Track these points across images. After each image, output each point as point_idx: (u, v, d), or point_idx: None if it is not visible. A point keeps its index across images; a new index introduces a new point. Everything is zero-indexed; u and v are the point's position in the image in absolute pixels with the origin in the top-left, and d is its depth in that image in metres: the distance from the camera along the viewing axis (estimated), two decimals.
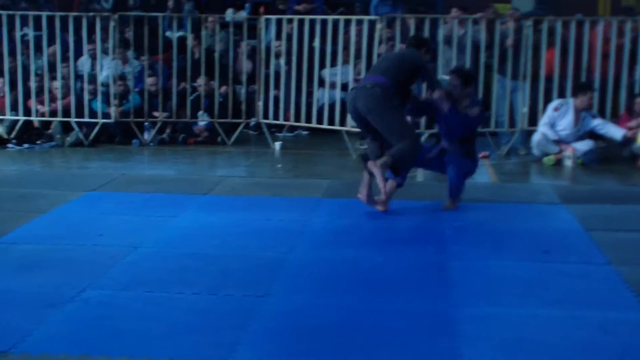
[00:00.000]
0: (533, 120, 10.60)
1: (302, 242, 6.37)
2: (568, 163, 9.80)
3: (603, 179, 9.33)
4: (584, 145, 10.05)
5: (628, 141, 10.07)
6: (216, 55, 11.45)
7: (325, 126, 11.10)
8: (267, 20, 11.57)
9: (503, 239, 6.60)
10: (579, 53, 10.73)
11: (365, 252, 6.11)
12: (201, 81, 11.43)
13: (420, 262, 5.89)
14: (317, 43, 11.12)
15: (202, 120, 11.47)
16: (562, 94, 10.60)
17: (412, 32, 10.56)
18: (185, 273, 5.52)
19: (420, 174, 9.28)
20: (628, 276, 5.50)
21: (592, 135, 10.28)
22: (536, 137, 10.17)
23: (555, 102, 10.25)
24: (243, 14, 13.21)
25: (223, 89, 11.57)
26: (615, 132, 10.02)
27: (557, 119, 10.06)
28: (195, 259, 5.85)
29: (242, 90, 11.64)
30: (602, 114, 10.56)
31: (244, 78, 11.59)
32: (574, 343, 4.42)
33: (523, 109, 10.74)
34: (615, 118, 10.60)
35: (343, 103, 10.96)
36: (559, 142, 10.00)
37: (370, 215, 7.22)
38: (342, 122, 10.96)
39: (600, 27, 10.80)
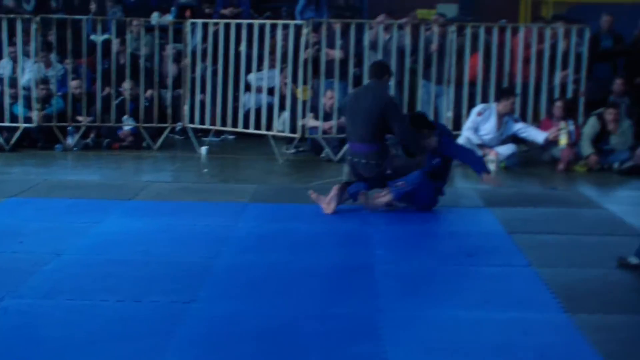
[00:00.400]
0: (457, 124, 10.75)
1: (228, 247, 6.36)
2: (491, 167, 9.96)
3: (524, 182, 9.52)
4: (507, 149, 10.24)
5: (550, 144, 10.28)
6: (142, 59, 11.34)
7: (251, 131, 11.07)
8: (193, 24, 11.50)
9: (427, 242, 6.70)
10: (502, 58, 10.93)
11: (291, 257, 6.12)
12: (126, 85, 11.31)
13: (345, 266, 5.93)
14: (243, 47, 11.09)
15: (127, 124, 11.34)
16: (485, 99, 10.78)
17: (337, 37, 10.62)
18: (109, 280, 5.44)
19: (344, 175, 9.32)
20: (548, 278, 5.63)
21: (515, 139, 10.47)
22: (460, 141, 10.31)
23: (478, 107, 10.41)
24: (169, 18, 13.09)
25: (148, 93, 11.47)
26: (537, 135, 10.22)
27: (481, 124, 10.23)
28: (119, 265, 5.77)
29: (168, 95, 11.54)
30: (523, 118, 10.77)
31: (169, 82, 11.50)
32: (496, 344, 4.51)
33: (447, 114, 10.89)
34: (537, 122, 10.82)
35: (269, 107, 10.99)
36: (482, 146, 10.16)
37: (296, 220, 7.23)
38: (269, 127, 10.95)
39: (522, 34, 11.01)
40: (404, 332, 4.66)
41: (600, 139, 10.21)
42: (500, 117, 10.23)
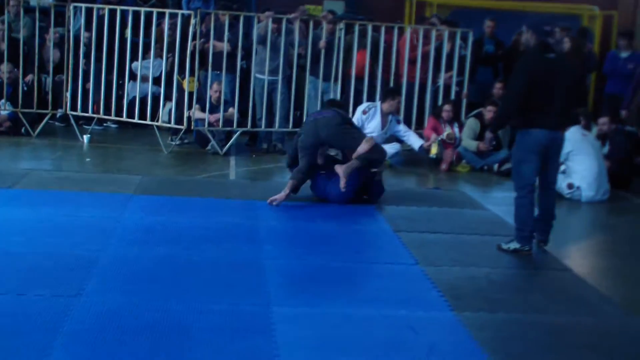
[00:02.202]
0: None
1: (114, 239, 6.22)
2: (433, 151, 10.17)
3: (409, 181, 9.69)
4: (391, 148, 10.37)
5: (425, 151, 10.48)
6: (21, 41, 10.95)
7: (136, 120, 10.87)
8: (76, 7, 11.19)
9: (316, 239, 6.73)
10: (389, 58, 11.08)
11: (179, 250, 6.04)
12: (4, 68, 10.89)
13: (234, 260, 5.89)
14: (129, 34, 10.87)
15: (5, 109, 10.92)
16: (371, 96, 10.90)
17: (226, 29, 10.54)
18: None
19: (232, 173, 9.29)
20: (434, 276, 5.75)
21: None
22: None
23: (363, 106, 10.48)
24: (49, 0, 12.70)
25: (28, 77, 11.10)
26: (415, 141, 10.26)
27: (366, 122, 10.32)
28: None
29: (49, 80, 11.19)
30: (409, 117, 10.97)
31: (50, 67, 11.14)
32: (385, 341, 4.57)
33: None
34: (421, 121, 11.04)
35: (155, 97, 10.81)
36: None
37: (183, 213, 7.14)
38: (154, 117, 10.78)
39: (408, 34, 11.20)
40: (294, 328, 4.67)
41: (481, 137, 10.47)
42: (385, 116, 10.34)
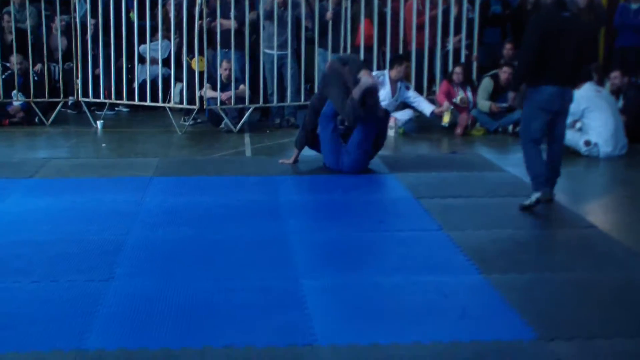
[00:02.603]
0: None
1: (138, 222, 6.25)
2: (391, 133, 10.10)
3: (425, 147, 9.69)
4: (404, 115, 10.40)
5: (437, 117, 10.47)
6: (28, 31, 10.96)
7: (148, 103, 10.87)
8: None
9: (339, 210, 6.74)
10: (396, 25, 11.05)
11: (203, 230, 6.07)
12: (13, 59, 10.90)
13: (259, 237, 5.91)
14: (135, 17, 10.84)
15: (17, 100, 10.95)
16: (381, 65, 10.88)
17: (232, 7, 10.51)
18: (20, 261, 5.29)
19: (248, 149, 9.30)
20: (459, 241, 5.77)
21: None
22: None
23: (373, 74, 10.47)
24: None
25: (37, 67, 11.11)
26: (425, 107, 10.28)
27: None
28: (28, 246, 5.61)
29: (58, 68, 11.19)
30: (419, 83, 10.96)
31: (59, 55, 11.14)
32: (417, 307, 4.60)
33: None
34: (433, 86, 11.03)
35: (165, 79, 10.81)
36: None
37: (203, 193, 7.17)
38: (165, 99, 10.79)
39: (415, 1, 11.14)
40: (326, 299, 4.70)
41: (494, 98, 10.46)
42: (394, 83, 10.33)
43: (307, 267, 5.24)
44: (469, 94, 10.60)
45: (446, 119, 10.27)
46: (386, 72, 10.40)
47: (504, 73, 10.39)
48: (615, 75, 9.91)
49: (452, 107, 10.36)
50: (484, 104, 10.41)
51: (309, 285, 4.90)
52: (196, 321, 4.37)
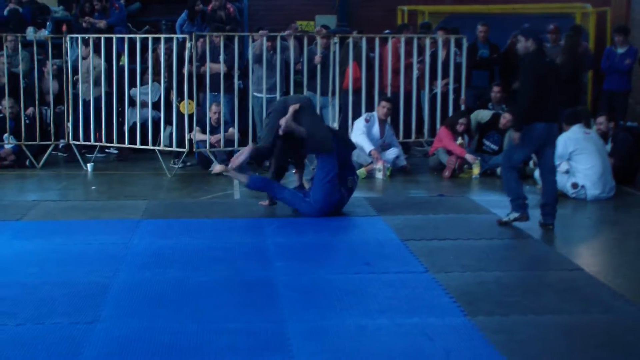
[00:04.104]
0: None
1: (125, 264, 6.25)
2: (379, 176, 10.16)
3: (412, 189, 9.71)
4: (391, 154, 10.48)
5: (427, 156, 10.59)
6: (20, 75, 11.03)
7: (138, 146, 10.92)
8: (72, 38, 11.27)
9: (325, 253, 6.78)
10: (384, 68, 11.16)
11: (190, 272, 6.07)
12: (5, 103, 10.95)
13: (245, 279, 5.93)
14: (125, 61, 10.93)
15: (8, 143, 10.98)
16: (370, 107, 10.97)
17: (221, 50, 10.61)
18: (5, 304, 5.28)
19: (237, 192, 9.33)
20: (445, 283, 5.79)
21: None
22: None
23: (364, 115, 10.62)
24: (45, 33, 12.79)
25: (29, 110, 11.16)
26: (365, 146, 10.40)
27: (369, 129, 10.43)
28: (14, 287, 5.62)
29: (50, 112, 11.24)
30: (408, 126, 11.07)
31: (50, 99, 11.19)
32: (402, 350, 4.61)
33: (334, 124, 11.03)
34: (422, 128, 11.14)
35: (155, 122, 10.87)
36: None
37: (191, 235, 7.18)
38: (155, 141, 10.84)
39: (402, 44, 11.25)
40: (311, 342, 4.71)
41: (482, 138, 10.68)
42: (382, 123, 10.49)
43: (293, 310, 5.25)
44: (466, 141, 10.67)
45: (476, 171, 10.30)
46: (374, 113, 10.53)
47: (504, 118, 10.51)
48: (600, 120, 9.98)
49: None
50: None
51: (294, 328, 4.91)
52: None
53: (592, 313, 5.29)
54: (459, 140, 10.56)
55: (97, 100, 10.93)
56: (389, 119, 10.77)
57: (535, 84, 7.24)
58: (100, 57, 10.88)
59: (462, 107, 11.26)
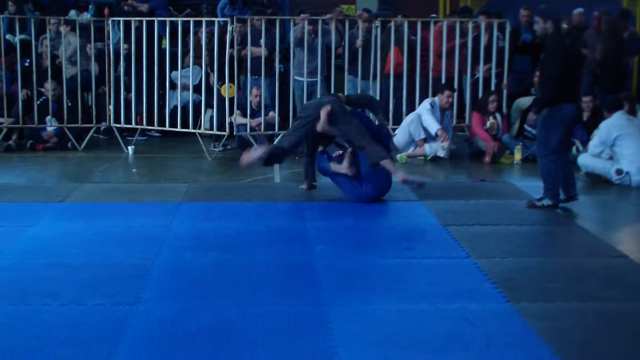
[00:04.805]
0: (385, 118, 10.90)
1: (166, 247, 6.29)
2: (441, 154, 10.17)
3: (453, 175, 9.66)
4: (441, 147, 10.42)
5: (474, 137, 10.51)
6: (63, 58, 11.10)
7: (179, 129, 10.96)
8: (114, 21, 11.32)
9: (366, 237, 6.76)
10: (426, 53, 11.07)
11: (230, 255, 6.10)
12: (49, 85, 11.05)
13: (286, 263, 5.93)
14: (166, 44, 10.97)
15: (51, 125, 11.09)
16: (411, 93, 10.90)
17: (262, 34, 10.61)
18: (49, 284, 5.34)
19: (277, 176, 9.34)
20: (486, 268, 5.74)
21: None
22: (404, 135, 10.39)
23: (429, 99, 10.52)
24: (87, 16, 12.87)
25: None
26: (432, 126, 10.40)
27: (433, 115, 10.35)
28: (57, 269, 5.66)
29: (91, 95, 11.32)
30: None
31: (92, 81, 11.26)
32: (443, 335, 4.58)
33: None
34: (463, 113, 11.04)
35: (196, 105, 10.91)
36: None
37: (231, 218, 7.20)
38: (196, 125, 10.88)
39: (445, 27, 11.16)
40: (352, 326, 4.69)
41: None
42: (442, 111, 10.42)
43: (333, 293, 5.24)
44: (499, 120, 10.58)
45: (517, 156, 10.21)
46: (436, 99, 10.45)
47: (530, 120, 10.38)
48: None
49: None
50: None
51: (335, 311, 4.90)
52: (221, 345, 4.39)
53: (636, 301, 5.21)
54: (490, 120, 10.46)
55: (138, 83, 10.96)
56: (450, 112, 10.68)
57: (560, 64, 7.23)
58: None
59: (504, 92, 11.14)
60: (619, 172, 8.80)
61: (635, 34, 12.43)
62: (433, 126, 10.26)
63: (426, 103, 10.44)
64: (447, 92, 10.41)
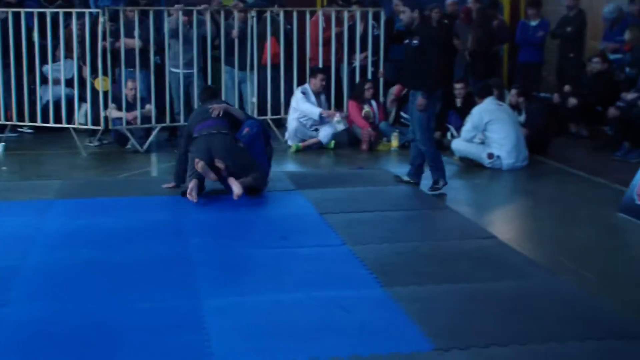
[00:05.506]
0: (263, 110, 10.87)
1: (36, 246, 6.09)
2: (340, 127, 10.33)
3: (331, 163, 9.71)
4: (330, 127, 10.45)
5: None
6: None
7: (51, 124, 10.65)
8: None
9: (243, 228, 6.73)
10: (303, 43, 11.09)
11: (104, 252, 5.95)
12: None
13: (161, 258, 5.83)
14: (36, 37, 10.63)
15: None
16: (288, 82, 10.91)
17: (136, 26, 10.41)
18: None
19: (154, 169, 9.20)
20: (362, 255, 5.80)
21: None
22: (292, 125, 10.39)
23: (300, 88, 10.55)
24: None
25: None
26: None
27: (306, 102, 10.39)
28: None
29: None
30: (327, 99, 11.01)
31: None
32: (317, 324, 4.61)
33: (252, 99, 10.95)
34: (340, 102, 11.12)
35: (69, 100, 10.62)
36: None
37: (107, 214, 7.02)
38: (70, 120, 10.59)
39: (321, 17, 11.20)
40: (225, 319, 4.67)
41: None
42: (317, 95, 10.47)
43: (209, 287, 5.20)
44: (375, 108, 10.70)
45: (394, 143, 10.31)
46: (307, 85, 10.49)
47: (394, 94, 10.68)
48: (512, 93, 10.19)
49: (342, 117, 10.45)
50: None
51: (208, 304, 4.86)
52: (92, 344, 4.31)
53: (504, 280, 5.36)
54: (366, 108, 10.60)
55: (7, 77, 10.60)
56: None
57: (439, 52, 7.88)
58: None
59: (381, 80, 11.26)
60: (491, 156, 9.03)
61: (504, 23, 12.78)
62: (314, 111, 10.33)
63: (298, 92, 10.49)
64: (320, 76, 10.51)
